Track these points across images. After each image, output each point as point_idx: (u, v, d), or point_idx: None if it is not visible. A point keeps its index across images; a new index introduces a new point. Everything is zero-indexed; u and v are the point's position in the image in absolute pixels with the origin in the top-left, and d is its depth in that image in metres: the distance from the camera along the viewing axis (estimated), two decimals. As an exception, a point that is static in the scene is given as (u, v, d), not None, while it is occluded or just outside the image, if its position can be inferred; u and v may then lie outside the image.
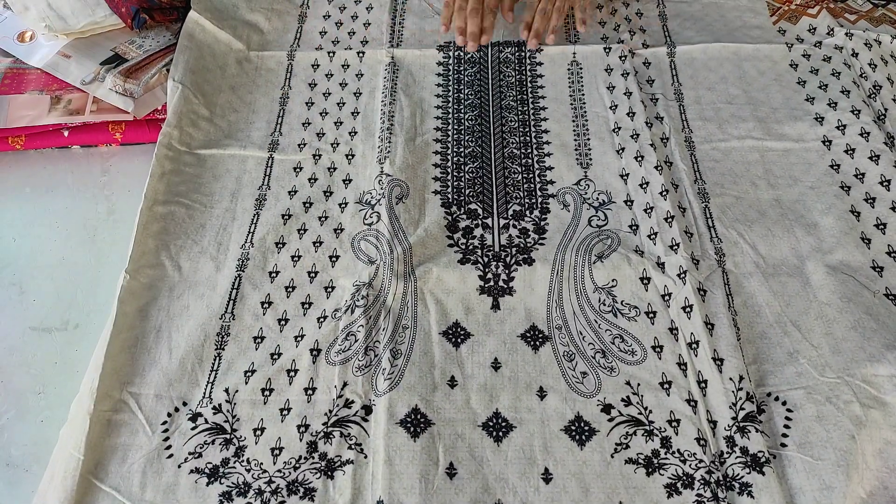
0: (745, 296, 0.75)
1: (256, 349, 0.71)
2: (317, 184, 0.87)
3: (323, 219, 0.83)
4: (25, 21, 0.97)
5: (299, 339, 0.72)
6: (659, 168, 0.85)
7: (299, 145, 0.91)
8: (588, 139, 0.91)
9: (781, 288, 0.76)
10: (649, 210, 0.82)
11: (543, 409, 0.67)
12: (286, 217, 0.82)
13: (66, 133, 0.92)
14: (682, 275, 0.75)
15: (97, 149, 0.93)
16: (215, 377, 0.69)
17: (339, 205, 0.84)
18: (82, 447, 0.61)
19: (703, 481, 0.62)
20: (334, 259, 0.79)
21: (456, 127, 0.93)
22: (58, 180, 0.90)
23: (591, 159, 0.89)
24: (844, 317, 0.72)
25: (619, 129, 0.91)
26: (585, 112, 0.95)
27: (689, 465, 0.63)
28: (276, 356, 0.71)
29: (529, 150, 0.90)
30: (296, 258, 0.79)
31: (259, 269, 0.78)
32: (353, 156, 0.90)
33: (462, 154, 0.89)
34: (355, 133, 0.93)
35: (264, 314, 0.74)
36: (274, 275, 0.78)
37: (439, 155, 0.89)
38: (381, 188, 0.84)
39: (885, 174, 0.84)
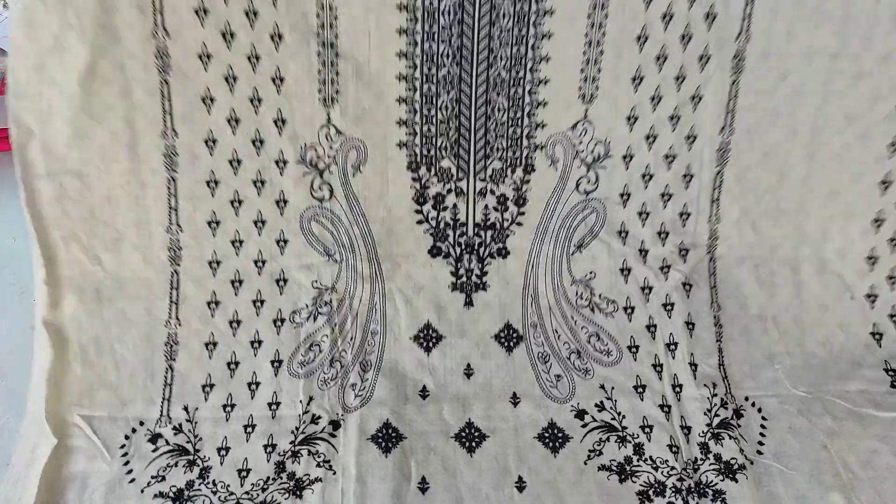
0: (732, 286, 0.72)
1: (210, 358, 0.67)
2: (240, 127, 0.66)
3: (259, 185, 0.68)
4: None
5: (256, 345, 0.68)
6: (675, 119, 0.70)
7: (200, 56, 0.64)
8: (601, 52, 0.68)
9: (770, 277, 0.73)
10: (647, 178, 0.72)
11: (517, 417, 0.66)
12: (212, 184, 0.67)
13: None
14: (666, 269, 0.72)
15: None
16: (171, 392, 0.65)
17: (277, 163, 0.68)
18: (36, 479, 0.59)
19: (674, 489, 0.62)
20: (282, 244, 0.70)
21: (428, 31, 0.66)
22: None
23: (597, 87, 0.69)
24: (817, 330, 0.71)
25: (647, 38, 0.68)
26: (608, 2, 0.67)
27: (661, 473, 0.63)
28: (233, 366, 0.67)
29: (522, 73, 0.68)
30: (236, 243, 0.69)
31: (196, 259, 0.68)
32: (281, 80, 0.66)
33: (434, 79, 0.67)
34: (280, 38, 0.65)
35: (213, 316, 0.68)
36: (215, 265, 0.69)
37: (405, 82, 0.67)
38: (332, 149, 0.69)
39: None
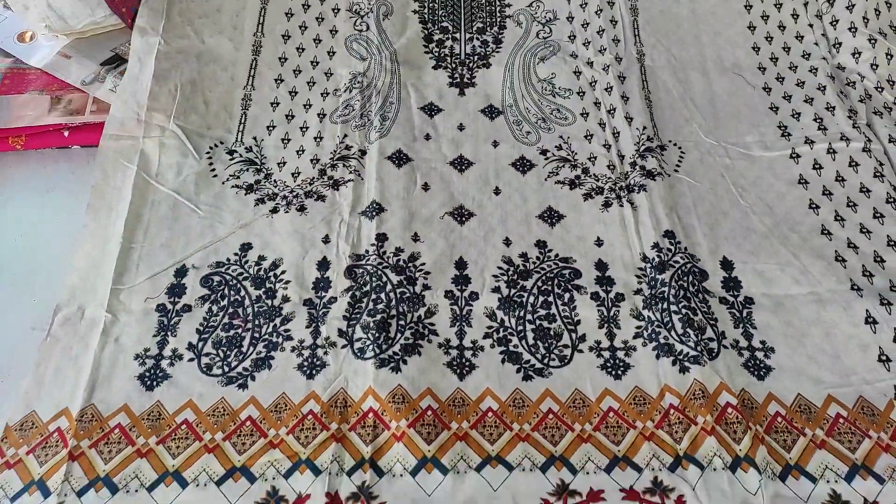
0: (658, 82, 0.98)
1: (273, 111, 0.93)
2: None
3: (319, 20, 1.03)
4: (26, 21, 0.97)
5: (308, 106, 0.94)
6: None
7: None
8: None
9: (686, 77, 0.98)
10: (585, 25, 1.04)
11: (496, 153, 0.90)
12: (289, 15, 1.03)
13: (66, 133, 0.91)
14: (607, 68, 0.97)
15: (97, 149, 0.91)
16: (244, 128, 0.91)
17: (333, 10, 1.04)
18: (135, 159, 0.83)
19: (610, 189, 0.85)
20: (332, 53, 1.00)
21: None
22: (58, 180, 0.90)
23: None
24: (728, 105, 0.95)
25: None
26: None
27: (601, 181, 0.86)
28: (290, 117, 0.93)
29: None
30: (299, 50, 1.00)
31: (271, 53, 0.99)
32: None
33: None
34: None
35: (278, 87, 0.96)
36: (283, 60, 0.99)
37: None
38: (370, 4, 1.04)
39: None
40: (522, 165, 0.88)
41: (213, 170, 0.86)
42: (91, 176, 0.84)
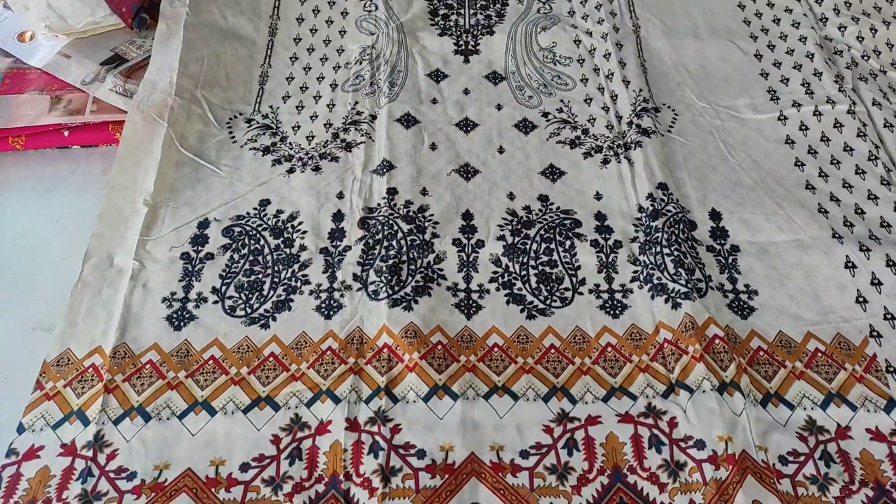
0: (652, 51, 1.03)
1: (289, 84, 0.98)
2: None
3: (331, 3, 1.09)
4: (26, 21, 0.97)
5: (321, 79, 0.99)
6: None
7: None
8: None
9: (680, 44, 1.03)
10: (584, 2, 1.09)
11: (500, 115, 0.94)
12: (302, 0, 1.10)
13: (66, 133, 0.91)
14: (605, 36, 1.02)
15: (97, 149, 0.92)
16: (260, 100, 0.96)
17: None
18: (166, 115, 0.87)
19: (609, 148, 0.90)
20: (343, 33, 1.06)
21: None
22: (58, 180, 0.89)
23: None
24: (720, 71, 1.00)
25: None
26: None
27: (600, 141, 0.91)
28: (304, 88, 0.98)
29: None
30: (312, 30, 1.06)
31: (285, 35, 1.04)
32: None
33: None
34: None
35: (293, 64, 1.01)
36: (297, 40, 1.04)
37: None
38: None
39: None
40: (525, 126, 0.93)
41: (233, 137, 0.91)
42: (91, 176, 0.87)
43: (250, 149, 0.89)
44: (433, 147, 0.90)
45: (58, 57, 0.96)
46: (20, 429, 0.66)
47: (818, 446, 0.64)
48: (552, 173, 0.88)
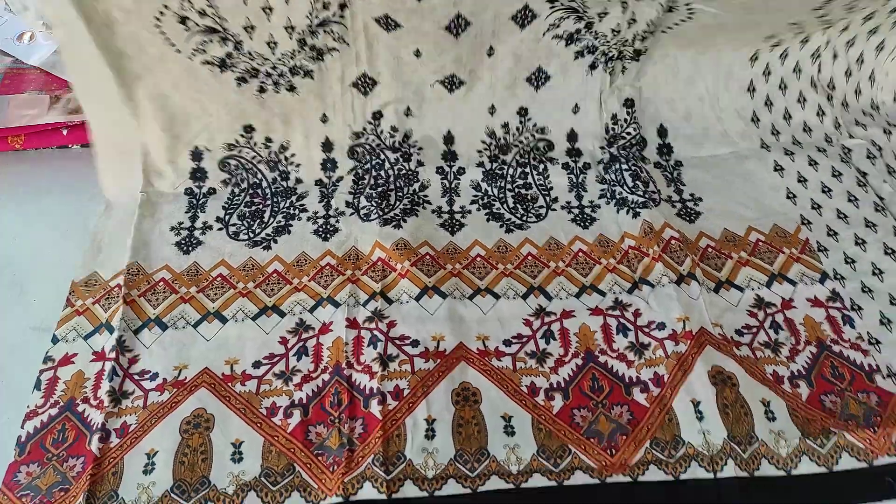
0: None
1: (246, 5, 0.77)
2: None
3: None
4: (25, 21, 0.96)
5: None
6: None
7: None
8: None
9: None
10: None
11: (496, 6, 0.80)
12: None
13: (65, 132, 0.90)
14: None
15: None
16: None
17: None
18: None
19: (602, 53, 0.87)
20: None
21: None
22: (57, 180, 0.89)
23: None
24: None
25: None
26: None
27: (599, 42, 0.86)
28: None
29: None
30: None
31: None
32: None
33: None
34: None
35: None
36: None
37: None
38: None
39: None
40: (524, 17, 0.83)
41: (173, 44, 0.77)
42: (91, 176, 0.86)
43: (203, 62, 0.79)
44: (418, 55, 0.83)
45: (57, 56, 0.95)
46: (54, 339, 0.72)
47: (767, 318, 0.73)
48: (538, 79, 0.88)
